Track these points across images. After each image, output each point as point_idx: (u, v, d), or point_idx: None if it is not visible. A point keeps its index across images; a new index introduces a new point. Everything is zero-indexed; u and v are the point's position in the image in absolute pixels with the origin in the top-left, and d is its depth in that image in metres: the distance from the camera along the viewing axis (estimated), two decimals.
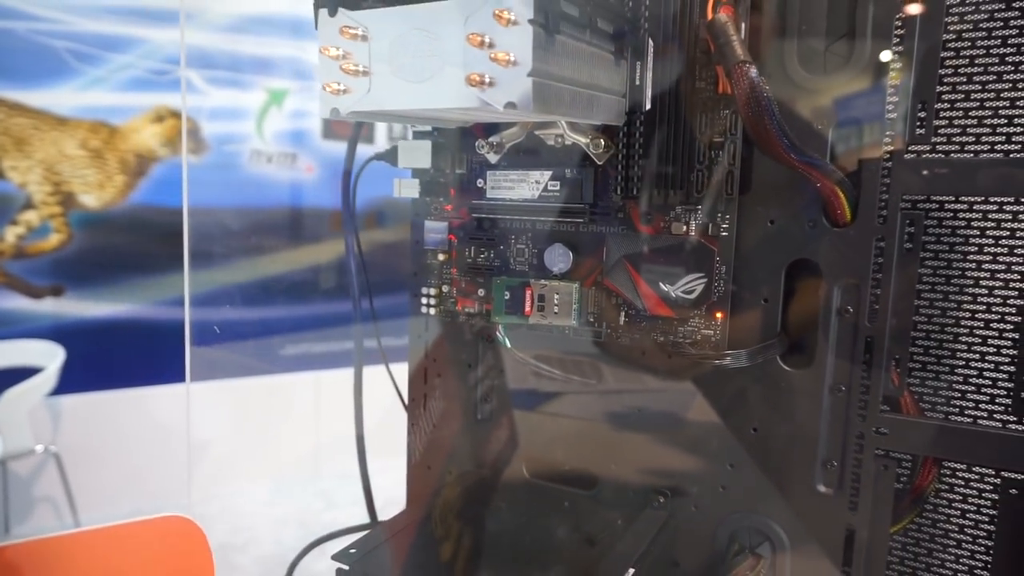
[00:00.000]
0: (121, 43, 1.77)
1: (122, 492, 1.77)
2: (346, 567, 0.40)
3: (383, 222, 2.12)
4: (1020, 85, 0.38)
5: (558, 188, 0.45)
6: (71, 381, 1.72)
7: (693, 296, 0.42)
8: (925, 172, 0.39)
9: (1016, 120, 0.38)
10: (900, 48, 0.39)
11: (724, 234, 0.42)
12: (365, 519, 0.59)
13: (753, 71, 0.35)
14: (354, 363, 0.56)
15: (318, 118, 2.01)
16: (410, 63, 0.33)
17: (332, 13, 0.34)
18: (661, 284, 0.43)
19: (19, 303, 1.75)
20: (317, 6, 0.35)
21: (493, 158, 0.46)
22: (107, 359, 1.85)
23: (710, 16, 0.37)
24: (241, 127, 1.92)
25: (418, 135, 0.49)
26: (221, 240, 1.90)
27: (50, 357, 1.67)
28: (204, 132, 1.88)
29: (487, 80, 0.31)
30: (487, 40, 0.31)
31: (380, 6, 0.33)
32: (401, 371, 0.59)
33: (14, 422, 1.58)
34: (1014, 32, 0.38)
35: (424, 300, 0.51)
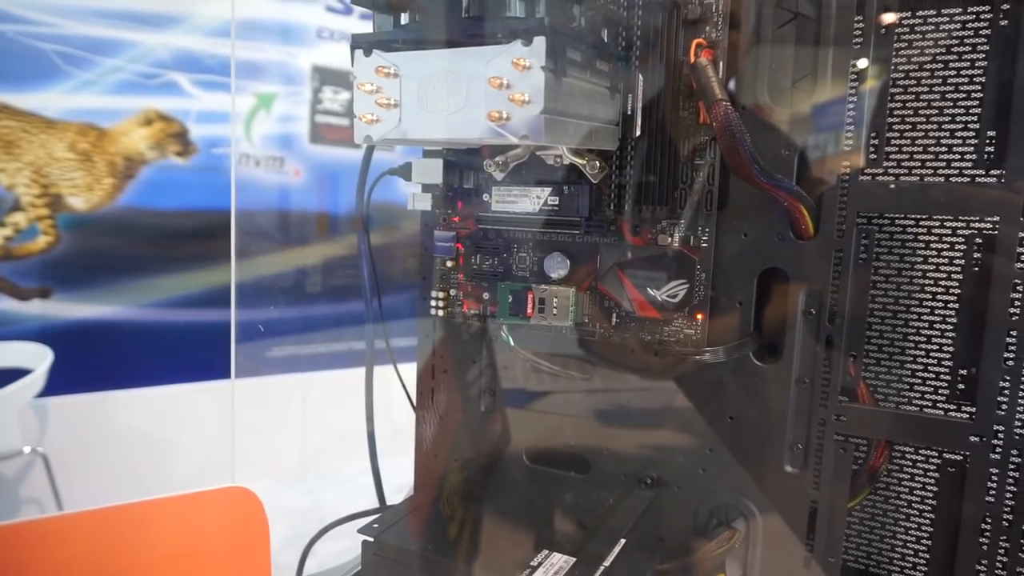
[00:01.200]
0: (111, 46, 1.80)
1: (109, 493, 1.80)
2: (371, 539, 0.46)
3: (369, 225, 2.15)
4: (958, 119, 0.45)
5: (557, 203, 0.51)
6: (57, 382, 1.74)
7: (676, 300, 0.49)
8: (877, 192, 0.45)
9: (954, 149, 0.45)
10: (856, 85, 0.45)
11: (704, 245, 0.48)
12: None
13: (729, 107, 0.41)
14: (366, 361, 0.62)
15: (305, 122, 2.06)
16: (436, 99, 0.39)
17: (367, 54, 0.40)
18: (648, 289, 0.50)
19: (6, 305, 1.78)
20: (354, 47, 0.41)
21: (498, 175, 0.52)
22: (94, 361, 1.88)
23: (692, 59, 0.43)
24: (229, 130, 1.95)
25: (429, 153, 0.55)
26: (210, 243, 1.93)
27: (39, 359, 1.70)
28: (192, 135, 1.91)
29: (505, 116, 0.37)
30: (505, 82, 0.37)
31: (410, 49, 0.39)
32: (404, 370, 0.64)
33: (4, 423, 1.61)
34: (951, 74, 0.45)
35: (433, 303, 0.57)
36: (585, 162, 0.48)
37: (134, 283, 1.89)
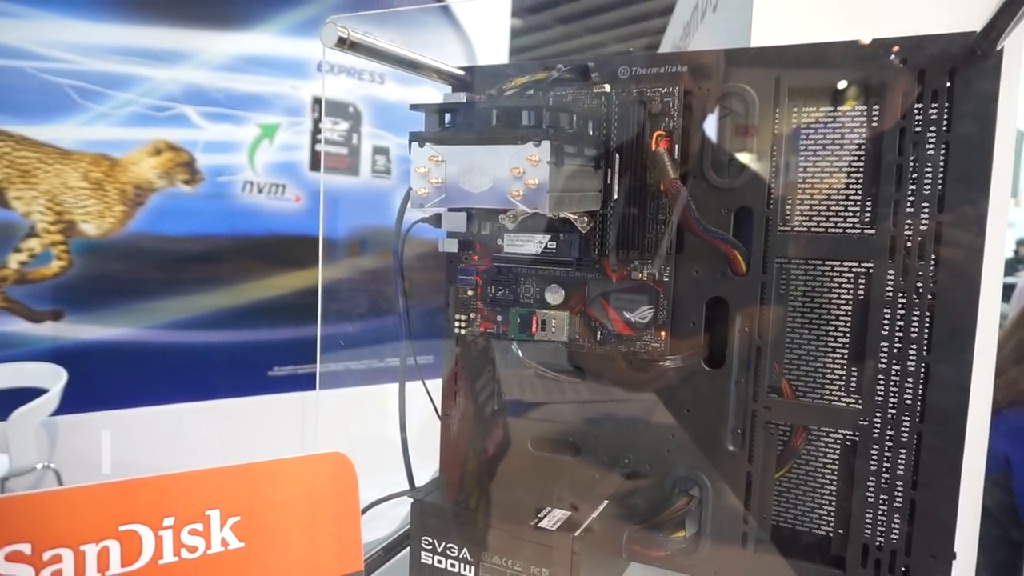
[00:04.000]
0: (123, 81, 1.98)
1: None
2: (417, 500, 0.64)
3: (365, 249, 2.36)
4: (851, 186, 0.64)
5: (555, 247, 0.69)
6: (66, 401, 1.90)
7: (645, 320, 0.67)
8: (791, 241, 0.64)
9: (848, 209, 0.64)
10: (775, 161, 0.64)
11: (666, 279, 0.67)
12: None
13: (679, 184, 0.61)
14: (399, 376, 0.79)
15: (306, 151, 2.25)
16: (471, 179, 0.58)
17: (421, 145, 0.59)
18: (624, 312, 0.68)
19: (20, 327, 1.94)
20: (411, 140, 0.59)
21: (510, 225, 0.70)
22: (102, 381, 2.03)
23: (653, 148, 0.62)
24: (234, 159, 2.14)
25: (454, 208, 0.74)
26: (214, 267, 2.11)
27: (54, 379, 1.86)
28: (199, 164, 2.09)
29: (521, 194, 0.56)
30: (522, 171, 0.55)
31: (455, 144, 0.58)
32: (413, 386, 0.82)
33: (21, 440, 1.77)
34: (845, 153, 0.64)
35: (456, 324, 0.75)
36: (576, 217, 0.67)
37: (142, 305, 2.05)
